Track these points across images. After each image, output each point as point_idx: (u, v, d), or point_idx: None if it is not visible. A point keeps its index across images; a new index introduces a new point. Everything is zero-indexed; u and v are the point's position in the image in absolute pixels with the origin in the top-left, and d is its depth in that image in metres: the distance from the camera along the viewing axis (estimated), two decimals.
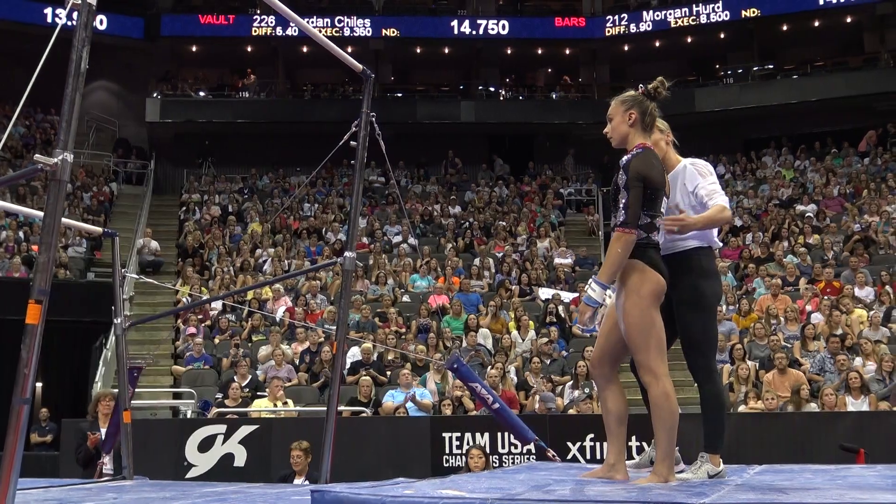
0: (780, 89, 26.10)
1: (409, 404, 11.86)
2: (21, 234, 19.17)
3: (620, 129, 4.21)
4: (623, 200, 4.01)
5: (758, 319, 14.45)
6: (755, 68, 26.93)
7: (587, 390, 12.25)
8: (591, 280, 4.11)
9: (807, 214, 19.84)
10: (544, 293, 16.83)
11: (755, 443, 10.03)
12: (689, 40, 27.92)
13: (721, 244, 4.40)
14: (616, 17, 28.03)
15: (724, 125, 26.11)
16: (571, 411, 11.98)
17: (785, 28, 27.26)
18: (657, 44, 28.24)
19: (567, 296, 16.60)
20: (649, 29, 27.63)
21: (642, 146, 4.13)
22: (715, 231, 4.37)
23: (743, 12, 26.61)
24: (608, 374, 4.33)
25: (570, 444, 9.96)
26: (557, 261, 18.72)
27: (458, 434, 10.44)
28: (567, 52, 29.12)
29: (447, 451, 10.48)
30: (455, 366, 6.49)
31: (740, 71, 27.04)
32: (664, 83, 4.25)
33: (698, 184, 4.27)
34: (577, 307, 16.05)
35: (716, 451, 4.23)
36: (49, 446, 14.04)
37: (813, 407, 11.38)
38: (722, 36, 27.74)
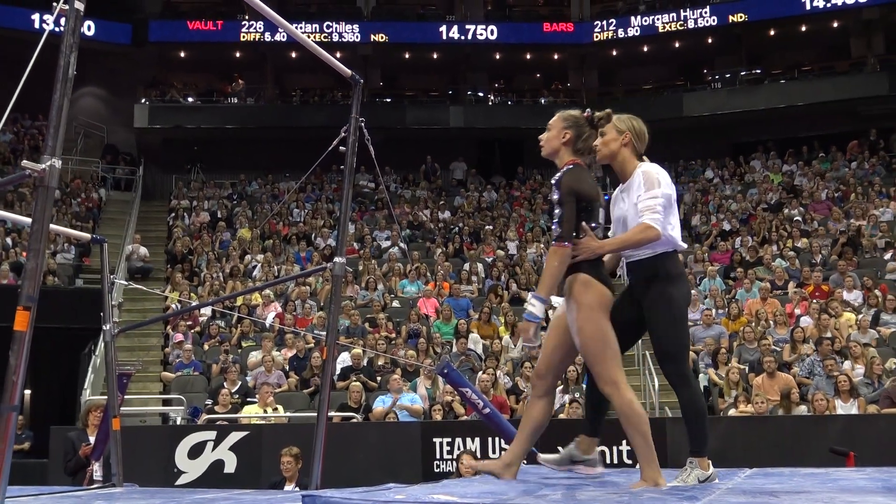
0: (767, 94, 26.25)
1: (400, 410, 11.85)
2: (9, 240, 19.08)
3: (553, 143, 4.32)
4: (558, 216, 4.09)
5: (747, 323, 14.50)
6: (743, 73, 27.06)
7: (577, 395, 12.25)
8: (529, 296, 4.17)
9: (795, 218, 19.92)
10: None
11: (745, 446, 10.04)
12: (677, 45, 28.04)
13: (685, 246, 4.38)
14: (604, 22, 28.12)
15: (713, 130, 26.23)
16: (561, 416, 11.98)
17: (772, 33, 27.41)
18: (645, 49, 28.37)
19: (557, 300, 16.52)
20: (637, 34, 27.73)
21: (572, 163, 4.22)
22: (679, 232, 4.29)
23: (730, 17, 26.76)
24: (549, 386, 4.36)
25: (560, 448, 9.95)
26: None
27: (449, 439, 10.43)
28: (555, 57, 29.19)
29: (438, 456, 10.47)
30: (445, 371, 6.47)
31: (728, 76, 27.16)
32: (610, 116, 4.33)
33: (639, 196, 4.19)
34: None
35: (703, 455, 4.21)
36: (27, 454, 13.94)
37: (803, 410, 11.41)
38: (710, 41, 27.88)
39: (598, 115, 4.32)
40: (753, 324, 14.39)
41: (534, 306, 4.09)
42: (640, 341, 15.26)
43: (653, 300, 4.17)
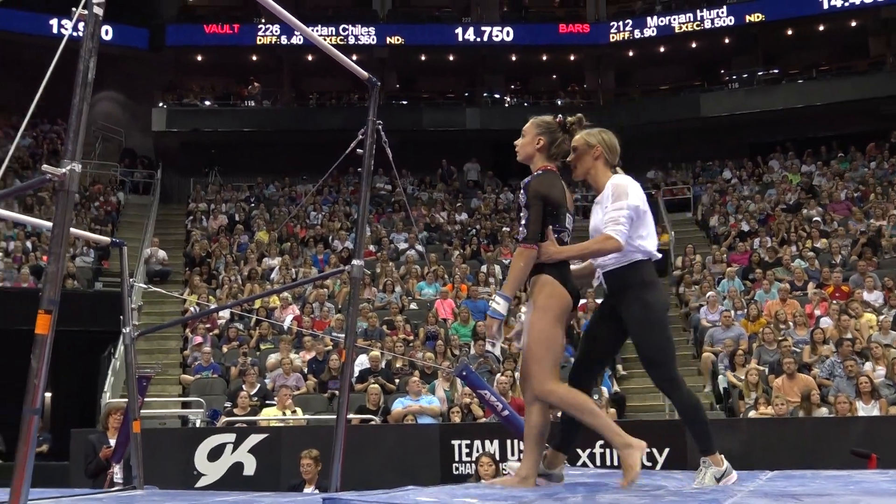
0: (785, 94, 26.11)
1: (420, 414, 11.86)
2: (29, 244, 19.20)
3: (527, 149, 4.41)
4: (524, 218, 4.18)
5: (766, 324, 14.41)
6: (760, 73, 26.91)
7: (596, 397, 12.23)
8: (495, 293, 4.31)
9: (814, 219, 19.81)
10: None
11: (765, 448, 9.97)
12: (694, 45, 27.95)
13: (659, 255, 4.44)
14: (620, 23, 28.04)
15: (730, 130, 26.11)
16: None
17: (789, 32, 27.27)
18: (662, 49, 28.28)
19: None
20: (654, 35, 27.64)
21: (543, 168, 4.32)
22: (654, 241, 4.33)
23: (747, 17, 26.64)
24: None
25: (579, 450, 9.94)
26: None
27: (468, 441, 10.41)
28: (572, 58, 29.14)
29: (457, 458, 10.45)
30: (463, 373, 6.45)
31: (745, 76, 27.01)
32: (582, 121, 4.44)
33: (606, 207, 4.26)
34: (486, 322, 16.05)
35: (713, 452, 4.20)
36: (45, 457, 14.02)
37: (824, 412, 11.33)
38: (726, 41, 27.77)
39: (571, 120, 4.41)
40: (773, 325, 14.30)
41: (498, 304, 4.15)
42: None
43: (629, 308, 4.22)
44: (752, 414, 11.64)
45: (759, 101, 26.07)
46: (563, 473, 4.47)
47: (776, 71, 27.06)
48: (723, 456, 4.21)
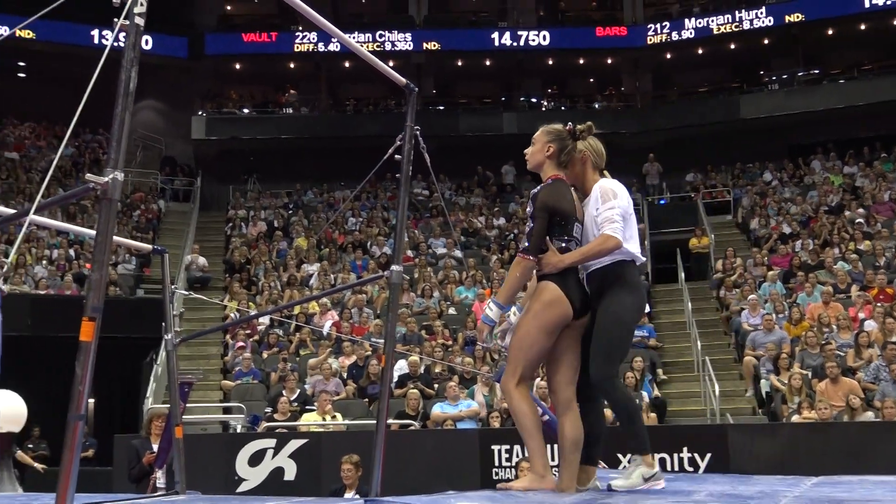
0: (826, 94, 25.77)
1: (458, 419, 11.86)
2: (72, 252, 19.46)
3: (537, 157, 4.45)
4: (528, 229, 4.26)
5: (809, 328, 14.24)
6: (800, 73, 26.61)
7: (637, 401, 12.16)
8: (489, 300, 4.34)
9: (857, 220, 19.53)
10: None
11: (809, 454, 9.84)
12: (733, 47, 27.71)
13: (644, 259, 4.44)
14: (658, 25, 27.87)
15: (770, 132, 25.83)
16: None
17: (830, 32, 26.92)
18: (700, 51, 28.06)
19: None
20: (692, 36, 27.43)
21: (554, 178, 4.35)
22: (637, 245, 4.36)
23: (787, 17, 26.35)
24: (567, 399, 4.30)
25: (620, 455, 9.87)
26: None
27: (508, 446, 10.37)
28: (609, 61, 29.02)
29: (496, 463, 10.42)
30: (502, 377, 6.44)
31: (785, 77, 26.71)
32: (591, 128, 4.48)
33: (598, 209, 4.28)
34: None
35: (647, 453, 4.21)
36: (90, 461, 14.19)
37: (869, 416, 11.17)
38: (766, 42, 27.50)
39: (580, 128, 4.46)
40: (816, 328, 14.12)
41: (491, 310, 4.24)
42: (699, 347, 15.03)
43: (605, 303, 4.25)
44: (795, 418, 11.49)
45: (799, 102, 25.76)
46: (597, 486, 4.43)
47: (817, 71, 26.72)
48: (656, 460, 4.24)
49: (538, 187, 4.36)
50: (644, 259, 4.47)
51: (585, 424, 4.26)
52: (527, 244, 4.23)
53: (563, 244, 4.23)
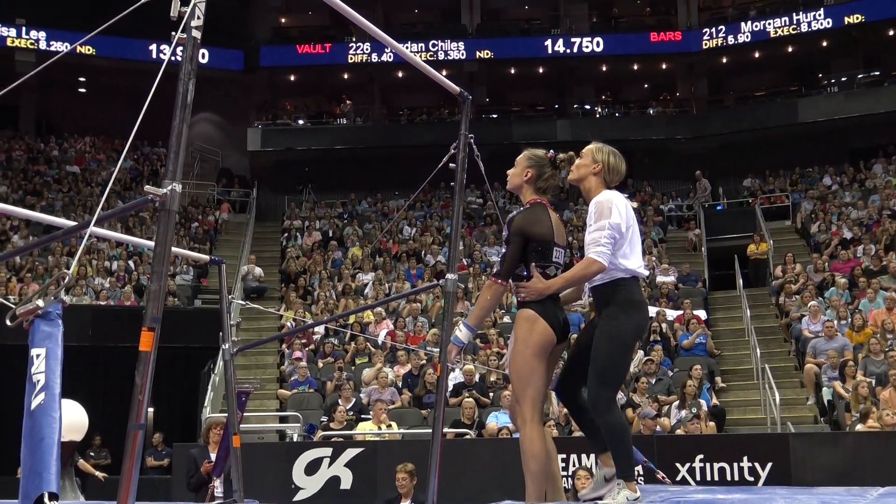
0: (887, 96, 25.26)
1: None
2: (131, 263, 19.78)
3: (515, 179, 4.51)
4: (501, 253, 4.34)
5: (872, 334, 13.94)
6: (860, 76, 26.11)
7: (694, 410, 12.00)
8: (460, 321, 4.42)
9: None
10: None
11: (874, 464, 9.63)
12: (790, 50, 27.34)
13: (646, 273, 4.39)
14: (713, 29, 27.58)
15: (829, 135, 25.40)
16: (679, 431, 11.73)
17: (891, 33, 26.41)
18: (756, 55, 27.71)
19: (671, 313, 16.32)
20: (748, 40, 27.10)
21: (532, 202, 4.43)
22: (639, 259, 4.31)
23: (846, 19, 25.90)
24: (526, 417, 4.31)
25: (678, 465, 9.74)
26: (660, 278, 18.43)
27: (564, 455, 10.29)
28: (663, 66, 28.79)
29: None
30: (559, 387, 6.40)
31: (844, 79, 26.24)
32: (572, 159, 4.50)
33: (590, 226, 4.28)
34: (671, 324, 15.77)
35: (631, 479, 4.17)
36: (165, 470, 14.40)
37: None
38: (824, 44, 27.05)
39: (561, 157, 4.50)
40: (879, 335, 13.83)
41: (461, 332, 4.32)
42: (759, 354, 14.80)
43: (602, 323, 4.26)
44: (858, 427, 11.25)
45: (859, 105, 25.29)
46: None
47: (877, 73, 26.23)
48: (637, 487, 4.20)
49: (515, 212, 4.43)
50: (646, 273, 4.45)
51: (585, 420, 4.39)
52: (498, 268, 4.30)
53: (542, 270, 4.26)
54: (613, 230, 4.18)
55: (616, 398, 4.30)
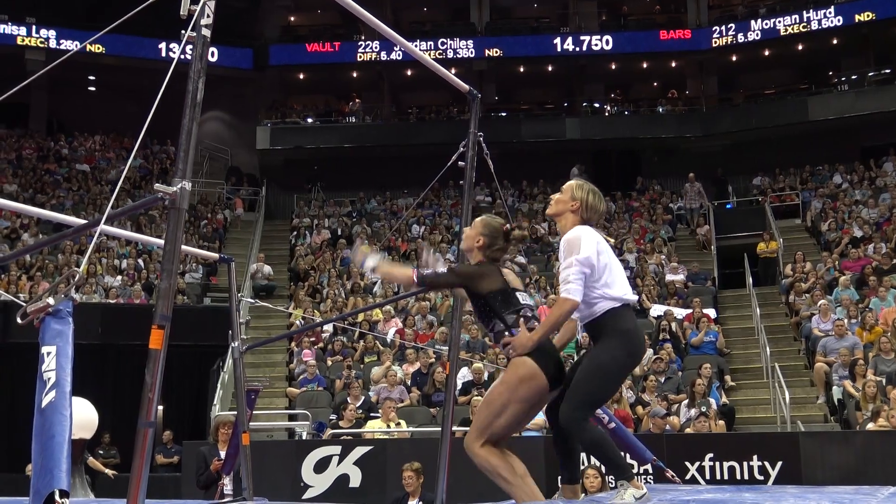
0: None
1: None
2: (140, 261, 19.82)
3: (468, 242, 4.56)
4: (445, 269, 4.52)
5: (883, 333, 13.89)
6: (871, 74, 25.99)
7: (704, 408, 11.97)
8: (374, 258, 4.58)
9: None
10: (656, 310, 16.53)
11: (884, 463, 9.60)
12: (800, 48, 27.22)
13: (634, 298, 4.40)
14: (723, 27, 27.49)
15: (840, 133, 25.29)
16: (688, 430, 11.71)
17: None
18: (766, 53, 27.62)
19: (680, 312, 16.28)
20: (758, 38, 26.98)
21: (480, 262, 4.49)
22: (624, 285, 4.31)
23: (857, 17, 25.78)
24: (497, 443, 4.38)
25: (688, 463, 9.73)
26: (669, 277, 18.40)
27: None
28: (673, 64, 28.73)
29: None
30: None
31: (855, 77, 26.12)
32: (525, 238, 4.88)
33: (560, 266, 4.30)
34: (688, 322, 15.73)
35: (630, 478, 4.18)
36: (175, 467, 14.43)
37: None
38: (835, 42, 26.95)
39: (515, 234, 4.56)
40: (890, 334, 13.77)
41: (372, 260, 4.54)
42: (768, 353, 14.75)
43: (595, 351, 4.29)
44: (869, 426, 11.21)
45: (870, 103, 25.15)
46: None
47: (888, 71, 26.08)
48: (643, 482, 4.24)
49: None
50: (635, 298, 4.45)
51: (562, 444, 4.37)
52: (428, 273, 4.41)
53: (517, 312, 4.29)
54: (582, 265, 4.18)
55: (588, 419, 4.29)
